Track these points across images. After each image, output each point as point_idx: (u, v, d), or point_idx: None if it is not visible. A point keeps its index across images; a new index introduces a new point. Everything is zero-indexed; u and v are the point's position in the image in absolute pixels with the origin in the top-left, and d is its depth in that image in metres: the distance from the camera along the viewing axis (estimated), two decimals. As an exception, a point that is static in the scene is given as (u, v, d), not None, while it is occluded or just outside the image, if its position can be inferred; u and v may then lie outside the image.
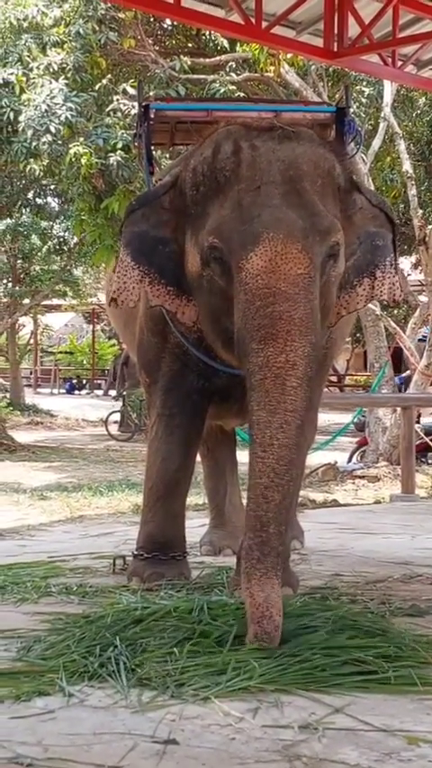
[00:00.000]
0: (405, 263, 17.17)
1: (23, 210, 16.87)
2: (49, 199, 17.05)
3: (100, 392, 26.37)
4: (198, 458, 4.00)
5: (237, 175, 2.97)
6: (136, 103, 3.97)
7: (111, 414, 16.79)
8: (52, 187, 16.00)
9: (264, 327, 2.74)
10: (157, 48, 11.76)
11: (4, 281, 20.00)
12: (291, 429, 2.67)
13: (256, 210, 2.87)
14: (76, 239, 17.19)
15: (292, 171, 2.94)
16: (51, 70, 11.10)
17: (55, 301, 24.31)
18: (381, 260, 3.27)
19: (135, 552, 3.74)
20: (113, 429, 16.40)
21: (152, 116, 3.95)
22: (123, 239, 3.30)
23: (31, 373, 29.50)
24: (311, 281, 2.81)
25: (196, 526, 4.67)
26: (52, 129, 10.81)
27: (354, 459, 11.52)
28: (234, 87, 11.02)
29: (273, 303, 2.75)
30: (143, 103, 4.00)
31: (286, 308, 2.74)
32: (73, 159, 10.51)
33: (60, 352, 31.03)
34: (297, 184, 2.93)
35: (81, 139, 10.71)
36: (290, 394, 2.69)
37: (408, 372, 12.25)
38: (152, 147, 4.20)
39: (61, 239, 18.85)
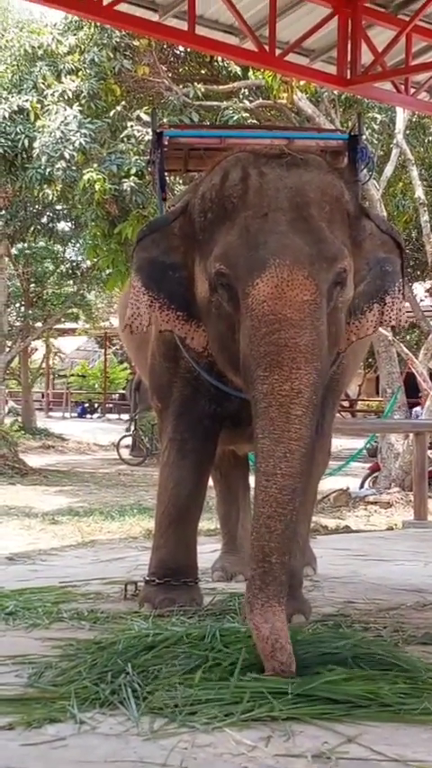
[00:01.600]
0: (418, 288, 17.19)
1: (37, 235, 16.97)
2: (63, 223, 17.15)
3: (113, 416, 26.38)
4: (210, 483, 4.00)
5: (244, 202, 2.98)
6: (149, 130, 4.01)
7: (122, 438, 16.79)
8: (65, 212, 16.11)
9: (269, 354, 2.74)
10: (171, 74, 11.87)
11: (17, 305, 20.10)
12: (294, 458, 2.66)
13: (263, 237, 2.88)
14: (88, 263, 17.28)
15: (299, 198, 2.94)
16: (66, 97, 11.22)
17: (67, 325, 24.39)
18: (390, 286, 3.26)
19: (147, 578, 3.73)
20: (125, 453, 16.40)
21: (166, 143, 3.97)
22: (134, 265, 3.32)
23: (42, 397, 29.55)
24: (318, 308, 2.80)
25: (208, 551, 4.65)
26: (66, 156, 10.91)
27: (366, 485, 11.47)
28: (247, 114, 11.10)
29: (278, 330, 2.74)
30: (157, 130, 4.02)
31: (292, 334, 2.74)
32: (87, 185, 10.59)
33: (72, 376, 31.10)
34: (304, 211, 2.93)
35: (95, 165, 10.81)
36: (294, 423, 2.68)
37: (417, 409, 12.23)
38: (166, 174, 4.23)
39: (74, 263, 18.96)
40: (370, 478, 11.62)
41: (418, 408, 13.56)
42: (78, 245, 17.92)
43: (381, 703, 2.40)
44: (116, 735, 2.23)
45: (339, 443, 13.81)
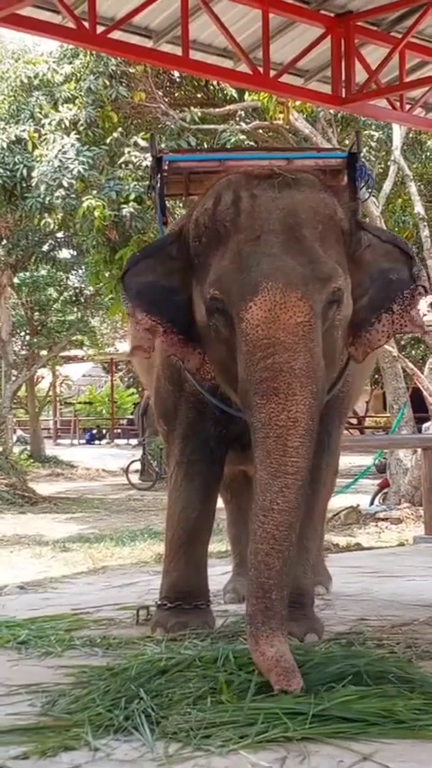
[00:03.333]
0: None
1: (39, 264, 17.03)
2: (64, 250, 17.23)
3: (121, 441, 26.36)
4: (221, 504, 3.99)
5: (236, 225, 2.99)
6: (148, 155, 4.04)
7: (131, 463, 16.78)
8: (66, 239, 16.18)
9: (265, 381, 2.75)
10: (167, 99, 11.94)
11: (22, 334, 20.14)
12: (291, 493, 2.69)
13: (256, 260, 2.88)
14: (91, 289, 17.34)
15: (291, 219, 2.96)
16: (63, 126, 11.28)
17: (73, 352, 24.44)
18: (397, 294, 3.25)
19: (158, 602, 3.72)
20: (134, 478, 16.38)
21: (165, 167, 3.99)
22: (130, 290, 3.28)
23: (51, 424, 29.56)
24: (312, 329, 2.81)
25: (219, 573, 4.63)
26: (65, 184, 10.97)
27: (376, 502, 11.44)
28: (244, 136, 11.15)
29: (273, 354, 2.76)
30: (156, 155, 4.04)
31: (286, 358, 2.75)
32: (86, 212, 10.64)
33: (80, 403, 31.11)
34: (296, 232, 2.94)
35: (94, 192, 10.86)
36: (291, 456, 2.71)
37: (427, 425, 12.19)
38: (166, 198, 4.25)
39: (77, 290, 19.01)
40: (380, 495, 11.59)
41: (427, 423, 13.54)
42: (81, 271, 17.99)
43: (396, 720, 2.39)
44: (131, 761, 2.23)
45: (348, 460, 13.79)
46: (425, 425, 13.36)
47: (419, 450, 9.12)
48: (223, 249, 2.99)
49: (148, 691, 2.58)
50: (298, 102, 10.56)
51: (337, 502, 10.82)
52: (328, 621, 3.67)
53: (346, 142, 11.82)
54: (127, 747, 2.31)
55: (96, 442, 27.85)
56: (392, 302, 3.25)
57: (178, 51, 7.05)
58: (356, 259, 3.17)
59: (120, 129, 11.40)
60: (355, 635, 3.42)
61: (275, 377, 2.74)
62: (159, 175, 3.95)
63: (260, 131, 11.95)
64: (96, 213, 10.51)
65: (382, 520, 10.23)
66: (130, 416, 28.03)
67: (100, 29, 6.57)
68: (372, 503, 11.42)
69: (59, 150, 11.02)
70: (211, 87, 12.04)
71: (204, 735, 2.32)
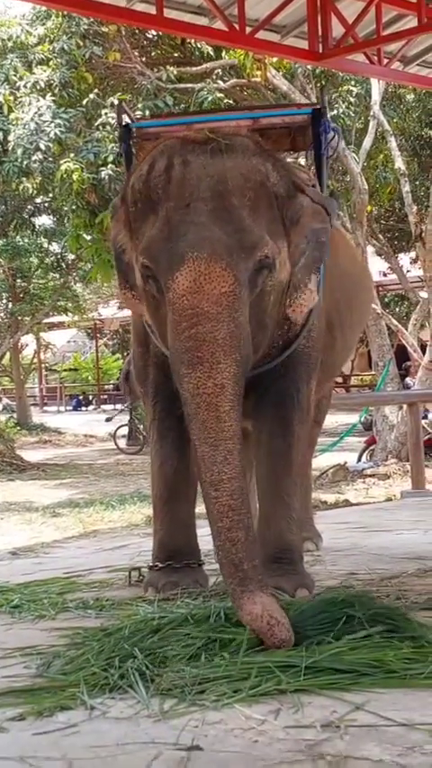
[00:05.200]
0: (404, 259, 17.18)
1: (19, 230, 16.91)
2: (44, 216, 17.09)
3: (108, 407, 26.37)
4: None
5: (167, 193, 3.04)
6: (124, 118, 3.99)
7: (119, 428, 16.80)
8: (46, 204, 16.05)
9: (190, 350, 2.82)
10: (143, 59, 11.81)
11: (4, 301, 20.04)
12: (234, 458, 2.73)
13: (183, 229, 2.93)
14: (73, 255, 17.23)
15: (221, 186, 2.99)
16: (38, 88, 11.15)
17: (56, 318, 24.36)
18: (325, 255, 3.33)
19: (150, 564, 3.74)
20: (122, 443, 16.41)
21: (134, 134, 3.97)
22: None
23: (37, 392, 29.52)
24: (236, 299, 2.87)
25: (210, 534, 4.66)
26: (42, 147, 10.85)
27: (363, 459, 11.52)
28: (222, 95, 11.04)
29: (197, 324, 2.82)
30: (123, 123, 4.02)
31: (209, 328, 2.81)
32: (64, 176, 10.54)
33: (65, 370, 31.04)
34: (225, 200, 2.98)
35: (71, 155, 10.75)
36: (225, 420, 2.76)
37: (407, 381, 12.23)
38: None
39: (58, 256, 18.90)
40: (367, 452, 11.67)
41: (408, 380, 13.60)
42: (62, 237, 17.87)
43: (387, 670, 2.42)
44: (127, 718, 2.25)
45: (334, 419, 13.84)
46: (406, 380, 13.43)
47: (405, 405, 9.17)
48: (155, 217, 3.05)
49: (141, 649, 2.60)
50: (275, 59, 10.47)
51: (325, 460, 10.88)
52: (319, 576, 3.70)
53: (325, 98, 11.74)
54: (123, 705, 2.33)
55: (83, 408, 27.86)
56: (322, 263, 3.33)
57: (152, 10, 6.97)
58: (295, 222, 3.21)
59: (96, 90, 11.28)
60: (345, 589, 3.46)
61: (200, 346, 2.81)
62: (127, 143, 3.93)
63: (238, 89, 11.84)
64: (75, 176, 10.42)
65: (370, 476, 10.31)
66: (116, 382, 28.02)
67: (72, -12, 6.49)
68: (359, 460, 11.50)
69: (35, 113, 10.90)
70: (188, 46, 11.90)
71: (199, 690, 2.35)
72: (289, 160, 4.08)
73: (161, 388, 3.61)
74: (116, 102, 10.67)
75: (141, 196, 3.13)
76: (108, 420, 18.34)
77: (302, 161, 5.04)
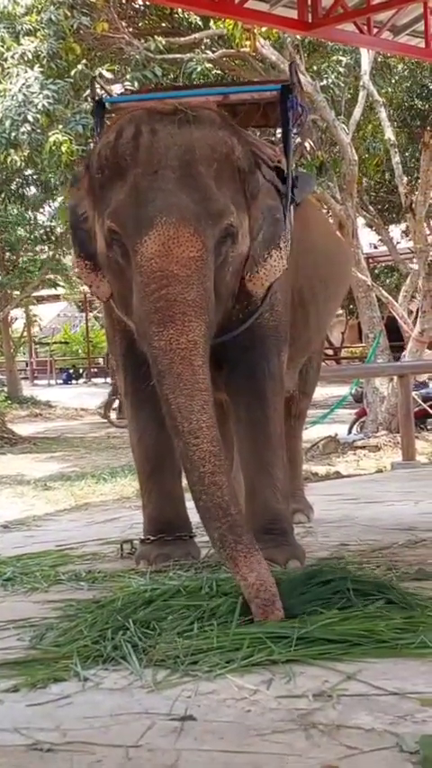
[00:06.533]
0: (395, 231, 17.15)
1: (7, 202, 16.81)
2: (32, 188, 16.97)
3: (99, 380, 26.33)
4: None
5: (135, 160, 3.08)
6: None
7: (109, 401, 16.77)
8: (35, 176, 15.94)
9: (160, 310, 2.87)
10: (131, 29, 11.69)
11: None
12: (210, 408, 2.79)
13: (152, 195, 2.99)
14: (62, 227, 17.13)
15: (188, 155, 3.05)
16: (26, 59, 11.04)
17: (46, 292, 24.27)
18: (281, 231, 3.37)
19: (142, 537, 3.74)
20: (113, 416, 16.38)
21: (108, 109, 3.94)
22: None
23: (27, 365, 29.45)
24: (204, 264, 2.94)
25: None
26: (30, 119, 10.76)
27: (354, 431, 11.55)
28: (211, 65, 10.96)
29: (167, 285, 2.88)
30: (97, 98, 4.00)
31: (180, 290, 2.87)
32: (53, 147, 10.46)
33: (55, 343, 30.97)
34: (192, 169, 3.04)
35: (60, 127, 10.66)
36: (199, 373, 2.82)
37: None
38: None
39: (47, 228, 18.79)
40: (357, 424, 11.70)
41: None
42: (50, 209, 17.77)
43: (378, 640, 2.44)
44: (120, 689, 2.26)
45: (325, 391, 13.86)
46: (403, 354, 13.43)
47: (395, 377, 9.19)
48: (122, 183, 3.09)
49: (134, 621, 2.61)
50: (264, 29, 10.39)
51: (316, 432, 10.91)
52: (310, 548, 3.72)
53: (314, 68, 11.67)
54: (116, 676, 2.35)
55: (73, 381, 27.82)
56: (280, 238, 3.37)
57: (140, -22, 6.89)
58: (254, 197, 3.28)
59: (84, 61, 11.18)
60: (336, 560, 3.48)
61: (170, 306, 2.86)
62: (100, 118, 3.91)
63: (227, 60, 11.75)
64: (63, 148, 10.34)
65: (361, 448, 10.35)
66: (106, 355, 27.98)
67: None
68: (350, 432, 11.54)
69: (23, 84, 10.80)
70: (176, 16, 11.79)
71: (191, 661, 2.36)
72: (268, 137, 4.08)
73: (131, 359, 3.56)
74: (105, 73, 10.61)
75: (108, 162, 3.16)
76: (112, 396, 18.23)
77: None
